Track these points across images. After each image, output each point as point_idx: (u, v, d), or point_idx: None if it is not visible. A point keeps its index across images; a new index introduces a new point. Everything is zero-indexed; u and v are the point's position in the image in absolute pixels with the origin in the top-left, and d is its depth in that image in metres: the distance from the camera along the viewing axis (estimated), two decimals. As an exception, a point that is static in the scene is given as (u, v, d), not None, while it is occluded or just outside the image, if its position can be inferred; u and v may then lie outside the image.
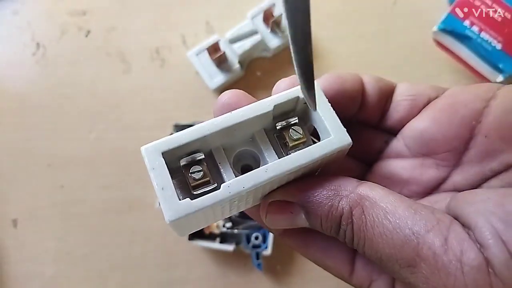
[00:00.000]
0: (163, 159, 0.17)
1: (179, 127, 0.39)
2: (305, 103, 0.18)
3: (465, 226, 0.15)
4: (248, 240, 0.36)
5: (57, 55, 0.43)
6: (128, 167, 0.40)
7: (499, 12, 0.36)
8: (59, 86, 0.42)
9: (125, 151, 0.41)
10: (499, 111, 0.18)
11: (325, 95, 0.18)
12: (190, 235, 0.36)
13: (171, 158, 0.17)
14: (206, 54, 0.39)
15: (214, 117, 0.18)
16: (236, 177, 0.17)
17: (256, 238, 0.36)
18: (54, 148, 0.41)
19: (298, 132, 0.18)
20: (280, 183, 0.18)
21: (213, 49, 0.38)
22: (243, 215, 0.37)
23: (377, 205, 0.16)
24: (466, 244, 0.14)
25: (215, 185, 0.17)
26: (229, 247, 0.36)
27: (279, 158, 0.18)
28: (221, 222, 0.37)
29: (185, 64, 0.41)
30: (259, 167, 0.18)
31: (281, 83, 0.19)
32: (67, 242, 0.39)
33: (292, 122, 0.18)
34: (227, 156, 0.18)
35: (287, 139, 0.18)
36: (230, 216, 0.37)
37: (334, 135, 0.17)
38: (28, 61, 0.43)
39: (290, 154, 0.18)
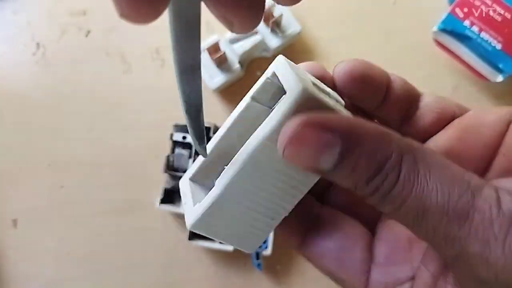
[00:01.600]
0: (189, 182, 0.20)
1: (179, 127, 0.39)
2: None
3: None
4: (248, 240, 0.36)
5: (57, 55, 0.43)
6: (128, 167, 0.40)
7: (499, 12, 0.36)
8: (59, 86, 0.42)
9: (125, 151, 0.41)
10: None
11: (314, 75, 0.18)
12: (190, 235, 0.36)
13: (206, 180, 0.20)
14: (206, 54, 0.39)
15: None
16: None
17: (256, 238, 0.36)
18: (54, 148, 0.41)
19: None
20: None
21: (213, 49, 0.38)
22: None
23: (430, 156, 0.15)
24: None
25: None
26: (229, 247, 0.36)
27: None
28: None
29: (185, 64, 0.41)
30: None
31: None
32: (67, 242, 0.39)
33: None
34: None
35: None
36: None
37: (288, 92, 0.16)
38: (28, 61, 0.43)
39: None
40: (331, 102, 0.16)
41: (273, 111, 0.16)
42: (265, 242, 0.36)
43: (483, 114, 0.20)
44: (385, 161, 0.14)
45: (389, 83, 0.20)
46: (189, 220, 0.17)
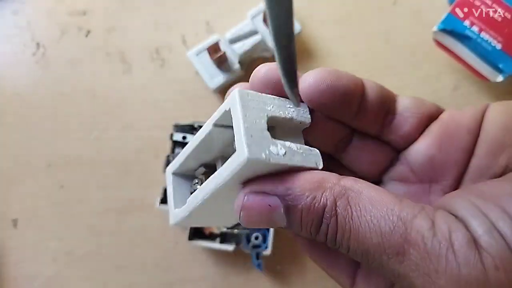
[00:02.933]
0: (171, 176, 0.22)
1: (179, 127, 0.39)
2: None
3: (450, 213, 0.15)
4: (248, 240, 0.36)
5: (57, 55, 0.43)
6: (128, 167, 0.40)
7: (499, 12, 0.36)
8: (59, 86, 0.42)
9: (125, 151, 0.41)
10: (490, 128, 0.19)
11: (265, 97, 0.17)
12: (190, 235, 0.36)
13: (189, 171, 0.22)
14: (206, 54, 0.39)
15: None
16: None
17: (256, 238, 0.36)
18: (54, 148, 0.41)
19: None
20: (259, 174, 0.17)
21: (213, 49, 0.38)
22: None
23: (362, 195, 0.16)
24: (454, 225, 0.14)
25: None
26: (229, 247, 0.36)
27: None
28: (221, 222, 0.38)
29: (185, 64, 0.41)
30: None
31: (260, 70, 0.18)
32: (67, 242, 0.39)
33: None
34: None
35: None
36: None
37: (237, 151, 0.16)
38: (28, 61, 0.43)
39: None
40: (281, 152, 0.16)
41: (223, 167, 0.17)
42: (265, 242, 0.36)
43: (458, 116, 0.20)
44: (322, 211, 0.16)
45: (363, 91, 0.19)
46: (172, 220, 0.21)
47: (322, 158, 0.18)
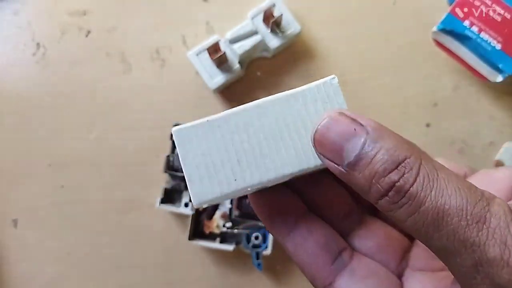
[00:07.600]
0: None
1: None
2: None
3: None
4: (248, 240, 0.37)
5: (57, 55, 0.43)
6: (128, 167, 0.40)
7: (499, 12, 0.36)
8: (59, 86, 0.42)
9: (125, 151, 0.41)
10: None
11: None
12: (190, 235, 0.37)
13: None
14: (206, 54, 0.39)
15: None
16: None
17: (256, 238, 0.36)
18: (54, 148, 0.41)
19: None
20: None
21: (213, 49, 0.38)
22: (243, 215, 0.37)
23: (447, 168, 0.16)
24: None
25: None
26: (229, 247, 0.36)
27: None
28: (221, 222, 0.37)
29: (185, 64, 0.41)
30: None
31: None
32: (67, 242, 0.39)
33: None
34: None
35: None
36: (230, 216, 0.37)
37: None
38: (28, 61, 0.43)
39: None
40: None
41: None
42: (265, 242, 0.36)
43: (492, 171, 0.20)
44: (403, 160, 0.15)
45: None
46: (200, 198, 0.18)
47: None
